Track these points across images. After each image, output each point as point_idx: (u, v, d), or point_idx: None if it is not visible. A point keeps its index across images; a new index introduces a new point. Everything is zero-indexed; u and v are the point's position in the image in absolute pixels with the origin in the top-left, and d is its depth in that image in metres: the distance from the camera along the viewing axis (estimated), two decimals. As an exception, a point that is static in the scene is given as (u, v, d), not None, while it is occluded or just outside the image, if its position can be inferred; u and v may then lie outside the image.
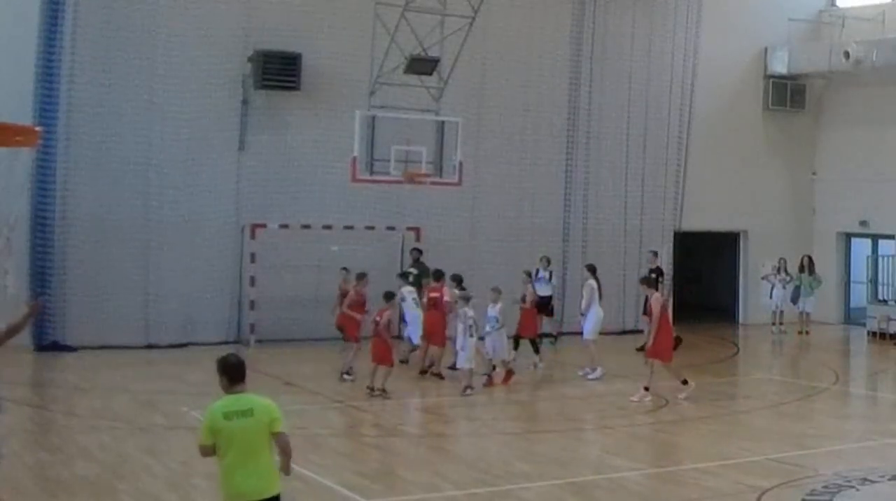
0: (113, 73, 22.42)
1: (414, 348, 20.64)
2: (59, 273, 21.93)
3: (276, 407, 8.23)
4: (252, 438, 8.03)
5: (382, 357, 17.59)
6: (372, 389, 17.56)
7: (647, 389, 17.56)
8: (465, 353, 18.05)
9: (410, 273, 22.04)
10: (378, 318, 17.85)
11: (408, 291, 20.72)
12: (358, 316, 18.89)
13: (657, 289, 19.61)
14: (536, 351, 21.00)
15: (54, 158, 21.77)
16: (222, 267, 23.22)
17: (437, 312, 19.53)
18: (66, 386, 18.79)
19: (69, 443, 14.21)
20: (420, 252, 23.23)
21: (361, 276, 19.23)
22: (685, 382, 17.87)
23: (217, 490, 11.58)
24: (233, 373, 8.15)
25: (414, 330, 20.46)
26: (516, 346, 20.61)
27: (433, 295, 19.67)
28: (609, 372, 20.57)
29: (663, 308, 18.08)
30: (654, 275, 22.17)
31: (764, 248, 29.19)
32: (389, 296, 18.44)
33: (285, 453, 8.26)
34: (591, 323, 20.40)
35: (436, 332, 19.43)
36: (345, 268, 20.79)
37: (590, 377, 19.97)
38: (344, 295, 20.08)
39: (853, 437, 15.86)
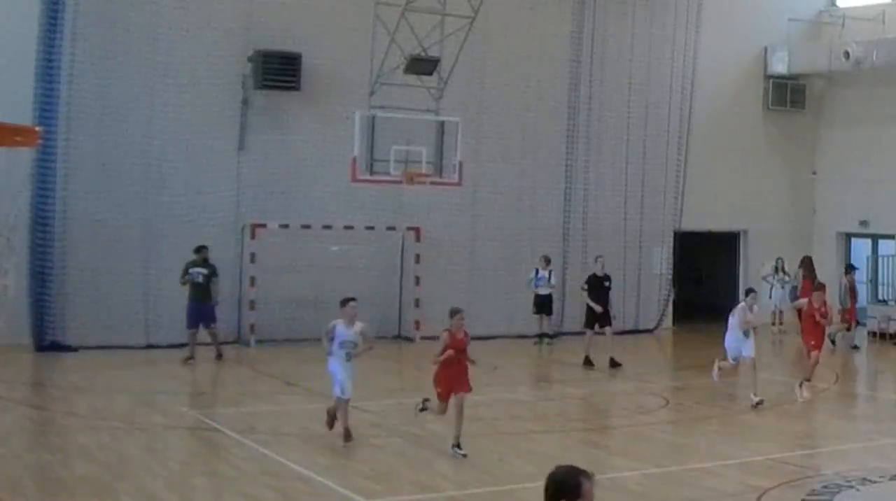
0: (113, 73, 22.43)
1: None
2: (59, 273, 21.93)
3: None
4: None
5: None
6: None
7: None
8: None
9: (201, 273, 20.93)
10: None
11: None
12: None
13: None
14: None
15: (54, 158, 21.77)
16: (222, 267, 23.18)
17: None
18: (66, 386, 18.77)
19: (69, 443, 14.20)
20: (206, 249, 21.34)
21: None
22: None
23: (217, 490, 11.59)
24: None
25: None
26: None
27: None
28: (607, 372, 20.62)
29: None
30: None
31: (764, 248, 29.19)
32: None
33: None
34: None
35: None
36: None
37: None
38: None
39: (853, 437, 15.85)
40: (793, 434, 15.71)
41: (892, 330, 26.45)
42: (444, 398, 13.78)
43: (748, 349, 17.64)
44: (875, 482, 12.65)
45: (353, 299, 14.24)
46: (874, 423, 17.16)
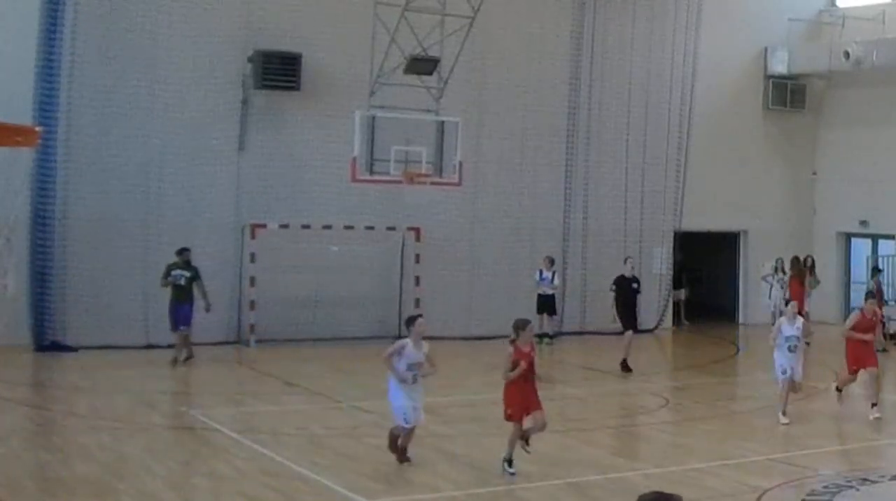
0: (113, 73, 22.44)
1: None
2: (59, 273, 21.93)
3: None
4: None
5: None
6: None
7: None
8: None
9: (183, 275, 20.67)
10: None
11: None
12: None
13: None
14: None
15: (54, 158, 21.77)
16: (222, 267, 23.21)
17: None
18: (66, 386, 18.79)
19: (69, 443, 14.21)
20: (188, 251, 21.05)
21: None
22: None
23: (217, 490, 11.60)
24: None
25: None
26: None
27: None
28: (607, 372, 20.60)
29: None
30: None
31: (764, 248, 29.16)
32: None
33: None
34: None
35: None
36: None
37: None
38: None
39: (853, 437, 15.85)
40: (793, 434, 15.70)
41: (892, 331, 26.42)
42: (515, 418, 12.66)
43: (798, 364, 16.31)
44: (875, 482, 12.66)
45: (420, 316, 13.49)
46: (873, 423, 17.14)
